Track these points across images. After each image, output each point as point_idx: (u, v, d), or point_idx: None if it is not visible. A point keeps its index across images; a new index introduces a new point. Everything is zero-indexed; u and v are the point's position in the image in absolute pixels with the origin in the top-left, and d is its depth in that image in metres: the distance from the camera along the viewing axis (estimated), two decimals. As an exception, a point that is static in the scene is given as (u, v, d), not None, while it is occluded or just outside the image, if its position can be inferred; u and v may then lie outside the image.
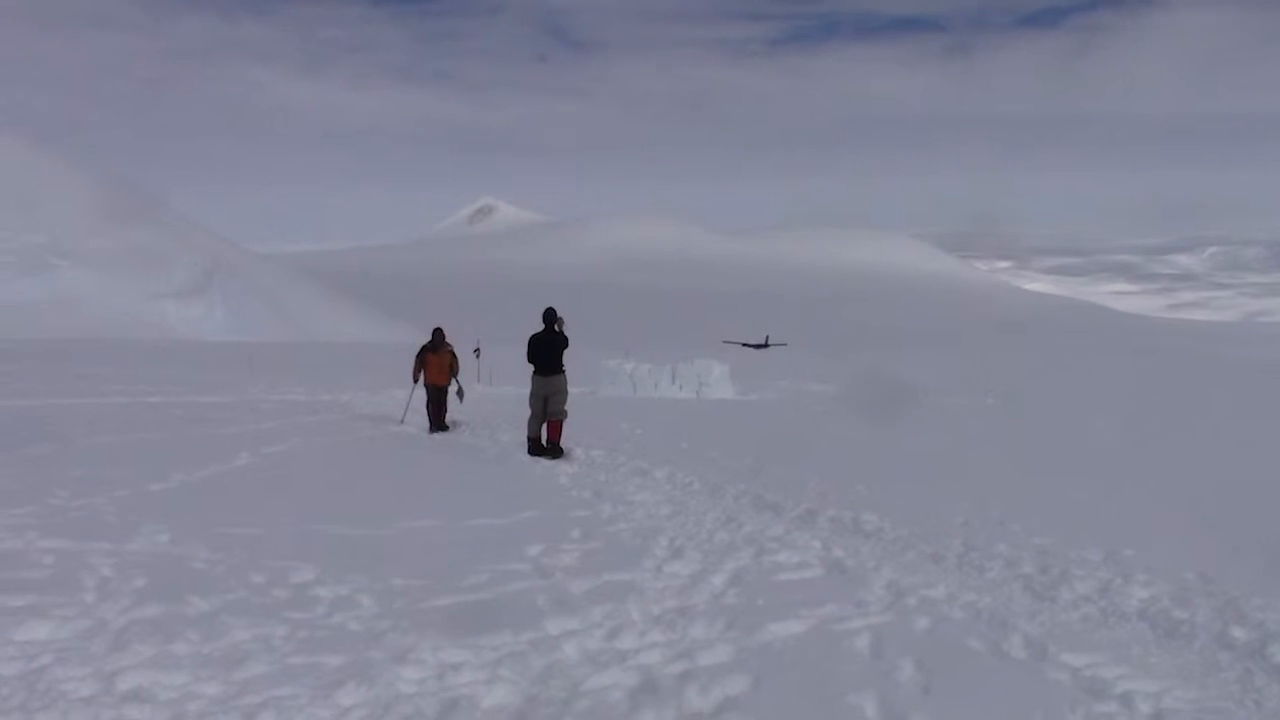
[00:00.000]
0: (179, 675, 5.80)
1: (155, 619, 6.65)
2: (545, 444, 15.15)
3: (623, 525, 10.02)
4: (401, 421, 18.99)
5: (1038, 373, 46.84)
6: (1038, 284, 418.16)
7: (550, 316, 15.49)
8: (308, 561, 8.11)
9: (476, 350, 30.41)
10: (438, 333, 18.80)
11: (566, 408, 15.36)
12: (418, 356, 18.70)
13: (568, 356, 15.62)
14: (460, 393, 18.70)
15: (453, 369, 18.59)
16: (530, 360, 15.49)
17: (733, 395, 27.59)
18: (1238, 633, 6.77)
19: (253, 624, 6.63)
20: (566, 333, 15.59)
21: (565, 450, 15.04)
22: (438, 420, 18.33)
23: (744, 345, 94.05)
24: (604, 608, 7.23)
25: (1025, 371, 47.16)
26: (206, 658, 6.08)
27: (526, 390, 15.72)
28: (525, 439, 15.60)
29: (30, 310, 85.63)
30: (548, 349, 15.38)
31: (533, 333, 15.56)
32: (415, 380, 18.63)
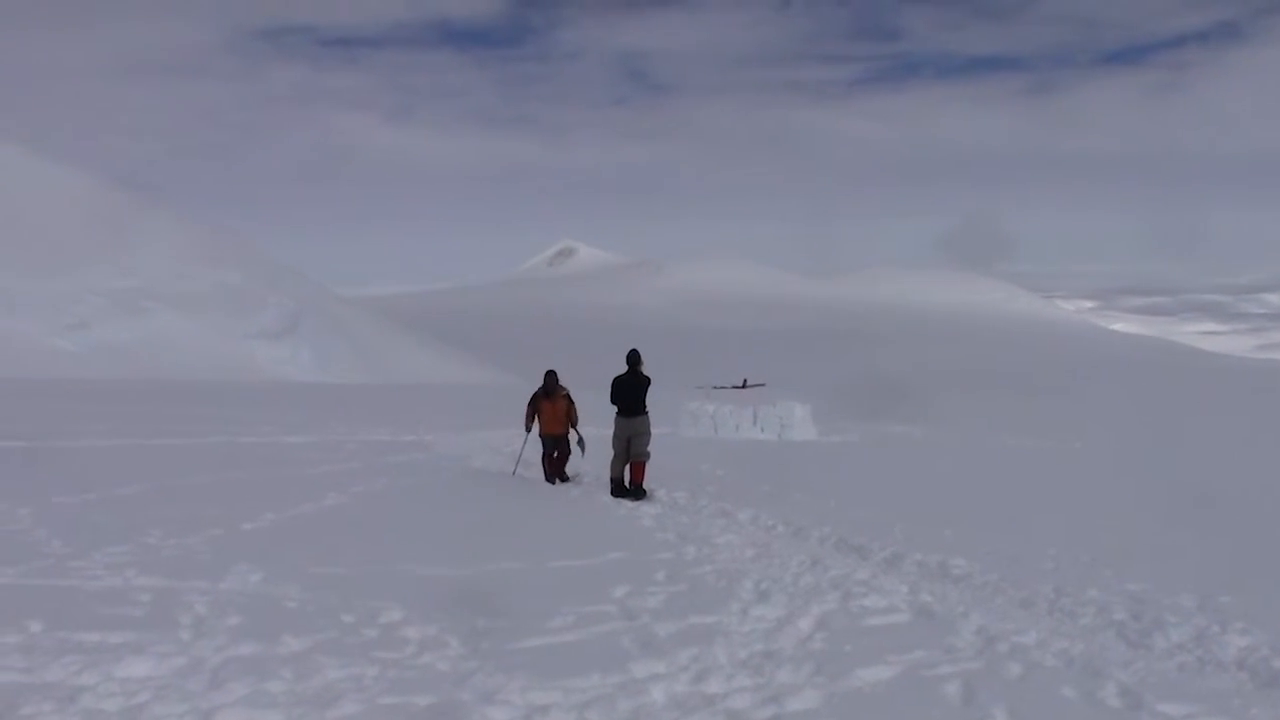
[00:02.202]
0: (274, 714, 5.88)
1: (250, 657, 6.76)
2: (628, 485, 15.18)
3: (707, 568, 10.00)
4: (514, 473, 17.33)
5: (1124, 415, 46.07)
6: (1123, 324, 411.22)
7: (634, 358, 15.58)
8: (396, 602, 8.19)
9: (744, 385, 30.62)
10: (550, 376, 16.79)
11: (649, 449, 15.38)
12: (530, 403, 16.89)
13: (650, 398, 15.67)
14: (581, 443, 16.57)
15: (570, 417, 16.68)
16: (614, 401, 15.56)
17: (815, 437, 27.44)
18: (1340, 684, 6.61)
19: (344, 663, 6.71)
20: (648, 373, 15.66)
21: (648, 492, 15.05)
22: (556, 471, 16.72)
23: (726, 388, 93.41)
24: (690, 651, 7.22)
25: (1112, 413, 46.41)
26: (300, 696, 6.16)
27: (608, 432, 15.78)
28: (608, 480, 15.64)
29: (123, 351, 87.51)
30: (631, 390, 15.44)
31: (616, 374, 15.65)
32: (527, 429, 16.97)
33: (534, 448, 17.30)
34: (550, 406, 16.63)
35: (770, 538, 11.82)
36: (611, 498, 14.98)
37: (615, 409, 15.59)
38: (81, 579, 8.60)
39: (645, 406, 15.53)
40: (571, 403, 16.69)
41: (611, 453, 15.57)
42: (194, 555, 9.69)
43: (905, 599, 8.82)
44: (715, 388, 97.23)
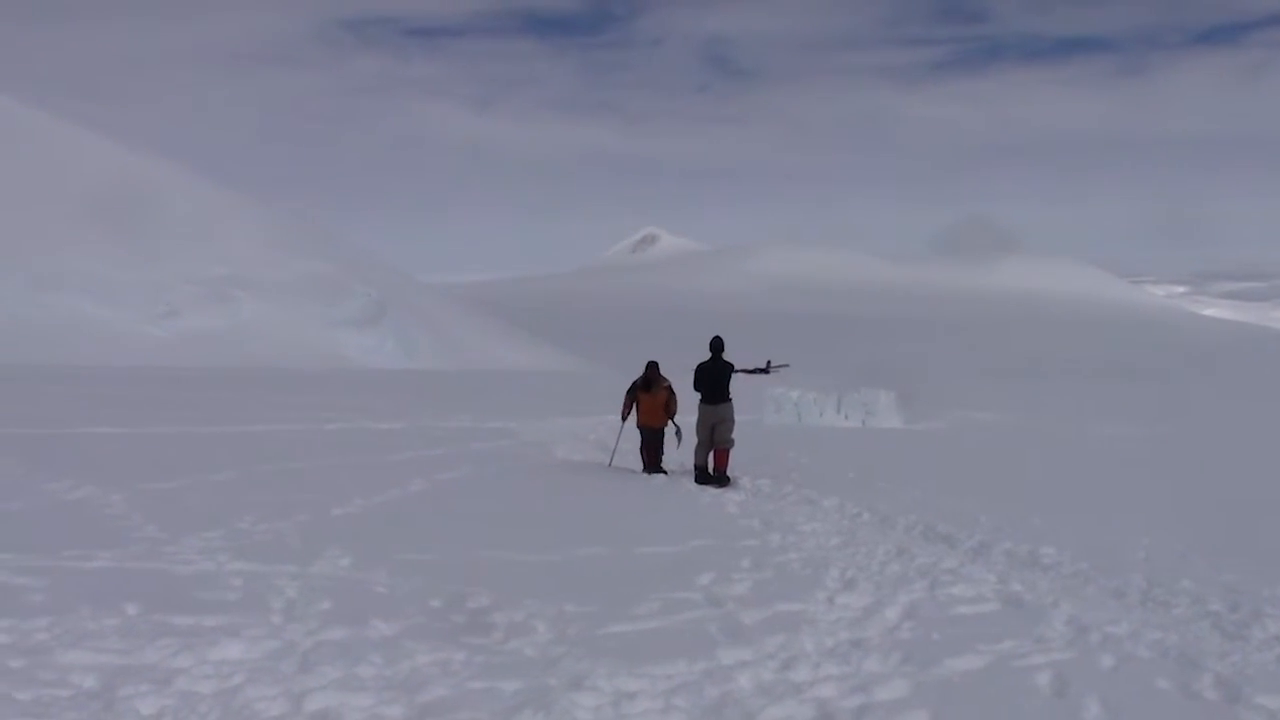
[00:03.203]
0: (364, 697, 5.95)
1: (340, 641, 6.84)
2: (712, 473, 15.16)
3: (793, 555, 9.96)
4: (609, 464, 16.89)
5: (1216, 402, 45.14)
6: (1215, 309, 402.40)
7: (717, 345, 15.56)
8: (483, 587, 8.24)
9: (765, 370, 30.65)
10: (652, 367, 16.35)
11: (733, 436, 15.35)
12: (628, 393, 16.48)
13: (733, 385, 15.64)
14: (679, 434, 16.20)
15: (669, 409, 16.25)
16: (697, 389, 15.55)
17: (900, 424, 27.21)
18: None
19: (433, 648, 6.77)
20: (731, 360, 15.63)
21: (732, 479, 15.03)
22: (653, 464, 16.32)
23: (748, 372, 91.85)
24: (777, 638, 7.19)
25: (1203, 401, 45.48)
26: (390, 680, 6.22)
27: (693, 419, 15.76)
28: (692, 467, 15.63)
29: (213, 339, 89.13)
30: (715, 378, 15.43)
31: (699, 361, 15.64)
32: (623, 419, 16.73)
33: (629, 439, 17.22)
34: (650, 399, 16.20)
35: (856, 525, 11.75)
36: (696, 485, 14.98)
37: (699, 396, 15.59)
38: (175, 563, 8.77)
39: (729, 394, 15.50)
40: (672, 395, 16.26)
41: (695, 440, 15.57)
42: (284, 540, 9.83)
43: (994, 588, 8.71)
44: (749, 372, 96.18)
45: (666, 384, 16.27)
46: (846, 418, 27.44)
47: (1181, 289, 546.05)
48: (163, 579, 8.25)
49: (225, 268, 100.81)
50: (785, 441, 21.26)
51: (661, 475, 15.87)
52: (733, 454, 15.37)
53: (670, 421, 16.26)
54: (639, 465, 16.59)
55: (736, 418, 15.60)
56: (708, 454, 15.33)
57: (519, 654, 6.78)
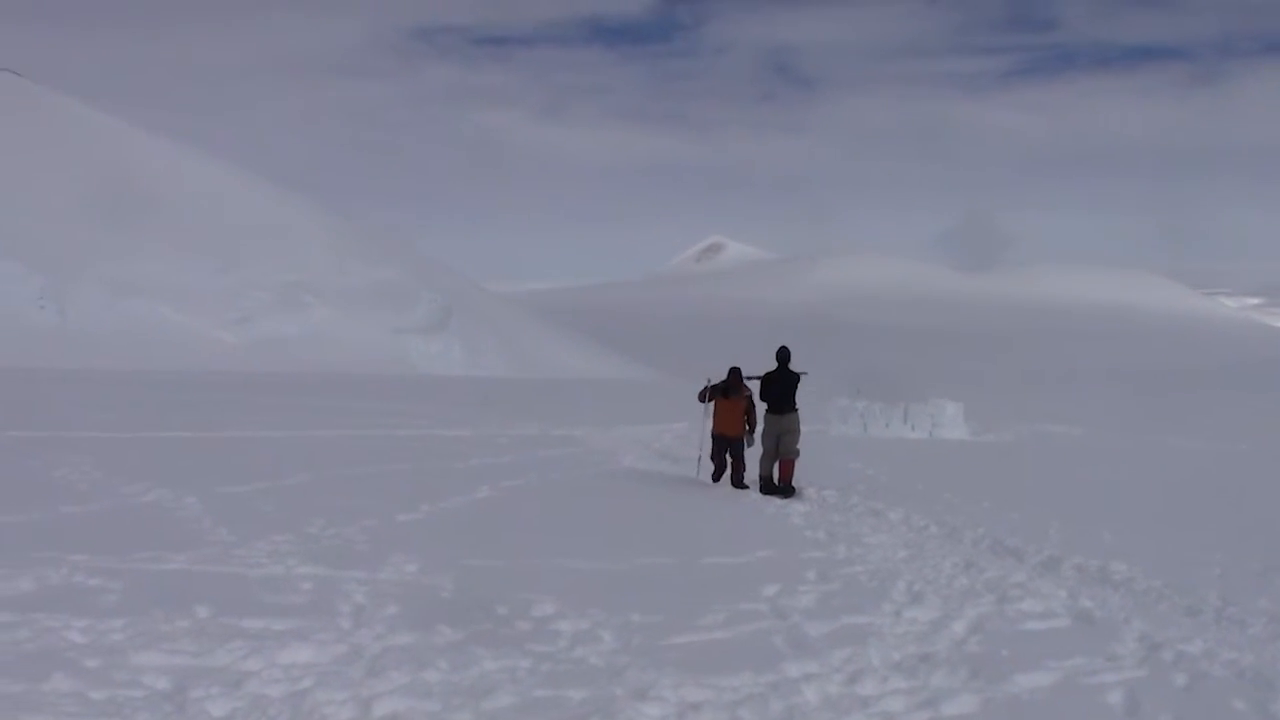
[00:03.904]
0: (431, 703, 5.97)
1: (408, 647, 6.88)
2: (777, 483, 15.09)
3: (859, 567, 9.88)
4: (697, 475, 16.41)
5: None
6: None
7: (784, 355, 15.50)
8: (549, 594, 8.26)
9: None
10: (734, 374, 15.83)
11: (799, 447, 15.27)
12: (704, 395, 16.12)
13: (799, 395, 15.56)
14: (749, 435, 15.81)
15: (750, 419, 15.73)
16: (763, 398, 15.49)
17: (967, 436, 26.93)
18: None
19: (498, 655, 6.79)
20: (797, 370, 15.55)
21: (797, 490, 14.94)
22: (734, 478, 15.74)
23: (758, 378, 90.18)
24: (843, 651, 7.13)
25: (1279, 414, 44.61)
26: (456, 686, 6.25)
27: (758, 429, 15.71)
28: (757, 477, 15.56)
29: (284, 345, 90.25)
30: (781, 387, 15.36)
31: (766, 371, 15.59)
32: (708, 418, 16.20)
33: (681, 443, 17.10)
34: (729, 406, 15.70)
35: (922, 538, 11.63)
36: (760, 495, 14.91)
37: (764, 406, 15.53)
38: (246, 566, 8.88)
39: (795, 404, 15.43)
40: (752, 405, 15.76)
41: (760, 450, 15.51)
42: (353, 545, 9.92)
43: (1064, 604, 8.59)
44: (748, 378, 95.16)
45: (748, 393, 15.81)
46: (913, 429, 27.20)
47: (1256, 300, 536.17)
48: (233, 582, 8.35)
49: (296, 275, 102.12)
50: (851, 452, 21.12)
51: (722, 485, 15.79)
52: (798, 464, 15.28)
53: (748, 432, 15.79)
54: (704, 471, 16.43)
55: (802, 428, 15.52)
56: (773, 464, 15.25)
57: (584, 662, 6.78)
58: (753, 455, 15.87)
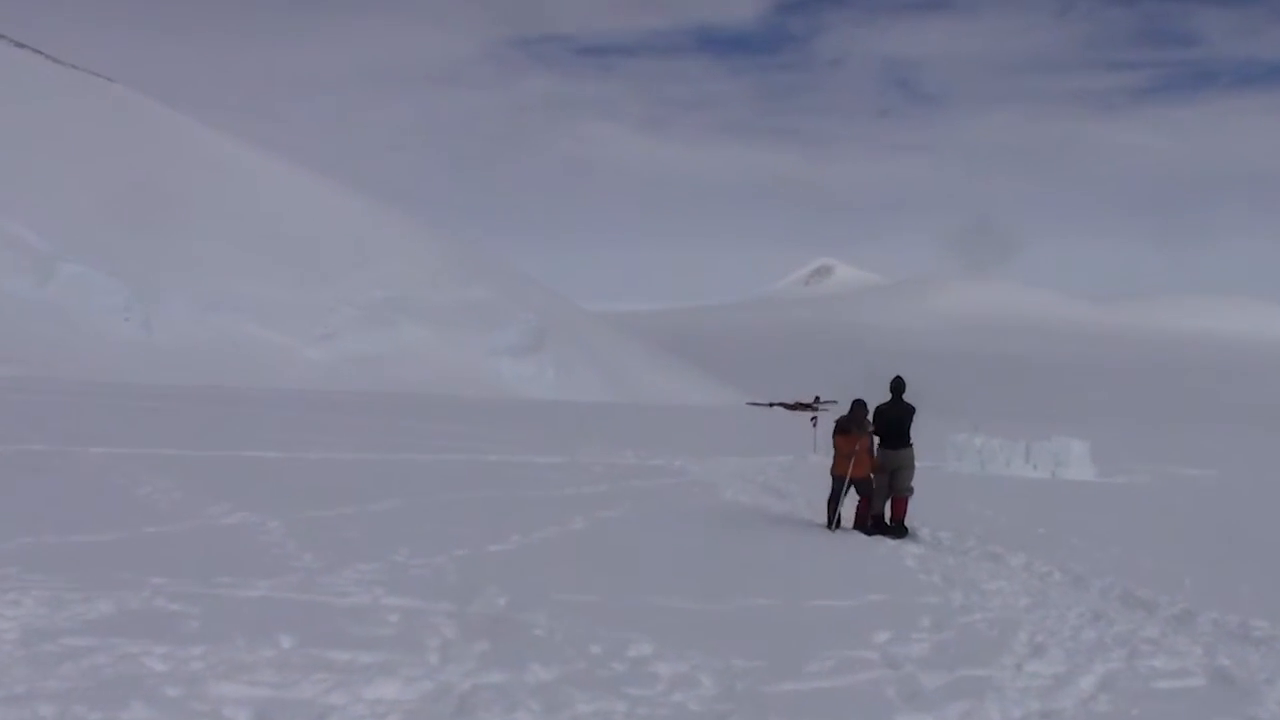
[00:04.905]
0: (522, 746, 5.96)
1: (498, 685, 6.88)
2: (889, 522, 14.91)
3: (977, 615, 9.71)
4: (832, 528, 15.11)
5: None
6: None
7: (898, 386, 15.31)
8: (645, 634, 8.22)
9: (813, 418, 30.45)
10: (858, 407, 15.32)
11: (913, 484, 15.08)
12: (836, 435, 15.42)
13: (913, 429, 15.36)
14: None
15: (871, 454, 15.13)
16: (876, 432, 15.31)
17: (1094, 477, 26.40)
18: None
19: (593, 697, 6.76)
20: (912, 402, 15.35)
21: (910, 530, 14.75)
22: (857, 520, 15.12)
23: (778, 406, 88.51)
24: (960, 705, 7.00)
25: None
26: (548, 729, 6.23)
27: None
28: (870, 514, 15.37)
29: (370, 363, 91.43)
30: (895, 421, 15.17)
31: (878, 403, 15.41)
32: (839, 472, 15.22)
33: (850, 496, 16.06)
34: (847, 444, 15.15)
35: (1045, 586, 11.41)
36: (871, 535, 14.73)
37: (877, 440, 15.35)
38: (331, 595, 8.96)
39: (909, 438, 15.23)
40: (874, 441, 15.20)
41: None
42: (442, 576, 9.99)
43: (1199, 661, 8.36)
44: (772, 404, 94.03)
45: (871, 429, 15.19)
46: (1035, 468, 26.75)
47: None
48: (318, 611, 8.43)
49: (385, 291, 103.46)
50: (968, 491, 20.83)
51: (786, 507, 15.62)
52: (911, 503, 15.09)
53: (871, 472, 15.10)
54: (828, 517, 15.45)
55: (917, 464, 15.32)
56: (885, 502, 15.07)
57: (683, 708, 6.72)
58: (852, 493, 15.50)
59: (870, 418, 15.26)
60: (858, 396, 15.64)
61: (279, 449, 21.75)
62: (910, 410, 15.28)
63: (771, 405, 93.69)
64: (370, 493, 15.41)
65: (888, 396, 15.34)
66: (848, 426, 15.25)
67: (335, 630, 7.88)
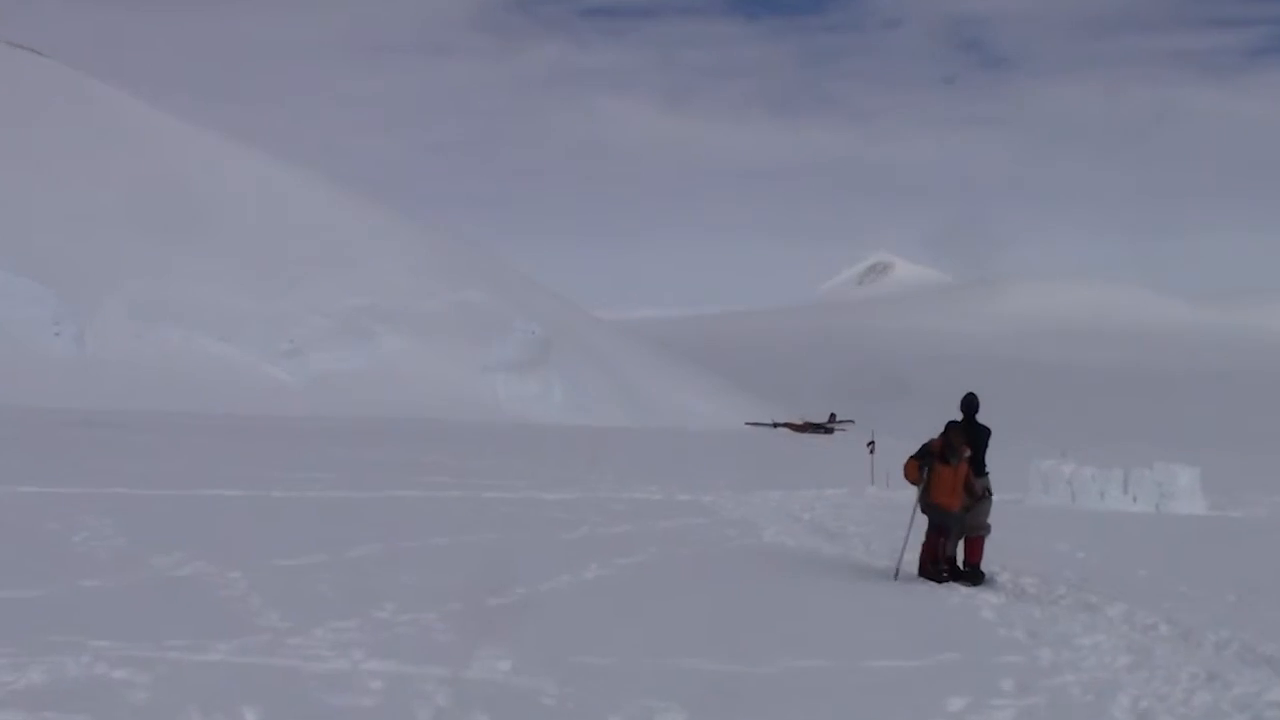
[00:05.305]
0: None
1: (500, 765, 6.88)
2: (962, 566, 14.87)
3: (1069, 677, 9.69)
4: (896, 574, 14.87)
5: None
6: None
7: (971, 404, 15.26)
8: (674, 702, 8.22)
9: (870, 444, 30.41)
10: (955, 430, 14.99)
11: (989, 520, 15.05)
12: (918, 458, 14.99)
13: (990, 456, 15.34)
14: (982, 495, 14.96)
15: (969, 486, 14.83)
16: (943, 458, 15.28)
17: (1205, 510, 26.32)
18: None
19: (614, 781, 6.76)
20: (986, 423, 15.32)
21: (987, 575, 14.72)
22: (948, 564, 14.79)
23: (783, 427, 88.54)
24: (1051, 786, 6.99)
25: None
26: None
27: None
28: (939, 559, 15.34)
29: (347, 382, 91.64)
30: (969, 445, 15.14)
31: (946, 423, 15.37)
32: (922, 503, 14.94)
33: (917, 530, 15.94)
34: (949, 474, 14.74)
35: (1150, 641, 11.37)
36: (941, 582, 14.69)
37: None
38: (302, 659, 8.98)
39: (985, 466, 15.21)
40: (971, 469, 14.90)
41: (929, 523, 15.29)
42: (432, 635, 9.99)
43: (1338, 730, 8.33)
44: (776, 424, 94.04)
45: (969, 454, 14.90)
46: (1135, 500, 26.67)
47: None
48: (288, 678, 8.44)
49: (362, 297, 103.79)
50: (1055, 529, 20.79)
51: (885, 566, 15.53)
52: (988, 543, 15.07)
53: (968, 501, 14.81)
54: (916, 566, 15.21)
55: (994, 497, 15.29)
56: (957, 542, 15.05)
57: (721, 792, 6.73)
58: (917, 529, 15.28)
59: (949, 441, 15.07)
60: (953, 419, 15.29)
61: (238, 486, 21.81)
62: (986, 433, 15.25)
63: (776, 425, 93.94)
64: (347, 537, 15.42)
65: (957, 416, 15.33)
66: (945, 453, 14.83)
67: (308, 701, 7.89)
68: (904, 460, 15.45)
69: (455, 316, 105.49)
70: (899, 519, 16.36)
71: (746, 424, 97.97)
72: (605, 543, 16.45)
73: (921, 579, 14.63)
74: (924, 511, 15.03)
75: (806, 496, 25.25)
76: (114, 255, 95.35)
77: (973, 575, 14.68)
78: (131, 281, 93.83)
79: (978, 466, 15.10)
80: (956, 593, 13.96)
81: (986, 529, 14.95)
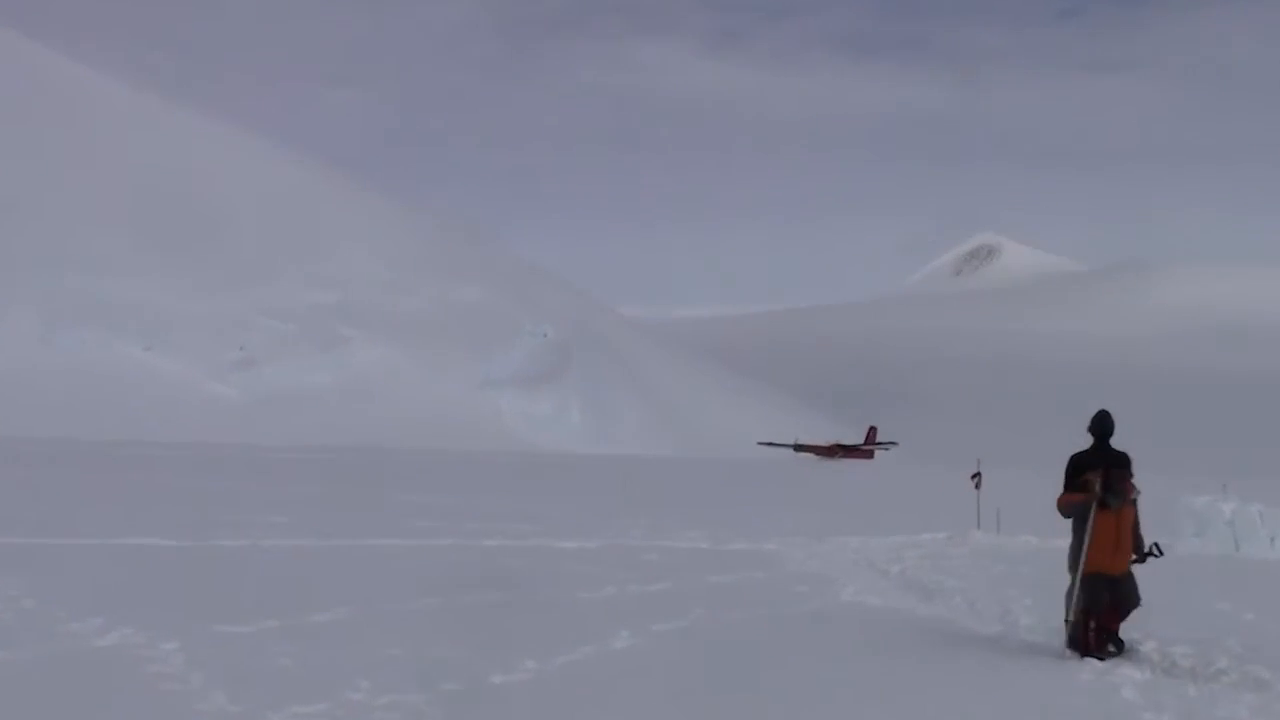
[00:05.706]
0: None
1: None
2: (1099, 632, 14.78)
3: (1234, 774, 9.63)
4: (1068, 647, 14.40)
5: None
6: None
7: (1105, 426, 15.14)
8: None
9: (975, 476, 30.29)
10: (1118, 460, 14.70)
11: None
12: (1076, 506, 14.56)
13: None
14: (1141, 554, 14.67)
15: (1136, 539, 14.57)
16: (1103, 503, 15.16)
17: None
18: None
19: None
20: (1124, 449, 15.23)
21: (1127, 643, 14.63)
22: (1096, 636, 14.35)
23: (806, 452, 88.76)
24: None
25: None
26: None
27: (1062, 543, 15.41)
28: (1062, 623, 15.26)
29: (313, 401, 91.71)
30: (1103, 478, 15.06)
31: (1075, 451, 15.28)
32: (1075, 563, 14.51)
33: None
34: (1114, 524, 14.41)
35: (1338, 727, 11.31)
36: (1068, 650, 14.61)
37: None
38: (255, 754, 8.97)
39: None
40: (1135, 508, 14.67)
41: (1068, 578, 15.20)
42: (420, 722, 9.97)
43: None
44: (798, 446, 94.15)
45: (1137, 492, 14.65)
46: (1316, 547, 26.58)
47: None
48: (236, 782, 8.43)
49: (332, 294, 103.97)
50: (1214, 583, 20.72)
51: (1004, 637, 15.46)
52: (1130, 602, 14.99)
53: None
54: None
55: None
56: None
57: None
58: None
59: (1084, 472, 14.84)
60: (1118, 449, 15.01)
61: (174, 534, 21.86)
62: (1125, 461, 15.15)
63: (798, 449, 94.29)
64: (311, 596, 15.44)
65: (1086, 441, 15.24)
66: (1104, 498, 14.37)
67: (262, 811, 7.87)
68: (1012, 495, 15.32)
69: (446, 318, 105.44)
70: (1012, 572, 16.33)
71: (759, 444, 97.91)
72: (638, 604, 16.43)
73: (1077, 654, 14.33)
74: (1084, 577, 14.40)
75: (894, 543, 25.21)
76: (19, 243, 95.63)
77: (1112, 641, 14.59)
78: (40, 276, 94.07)
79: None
80: (1089, 667, 13.85)
81: (1137, 601, 14.69)
